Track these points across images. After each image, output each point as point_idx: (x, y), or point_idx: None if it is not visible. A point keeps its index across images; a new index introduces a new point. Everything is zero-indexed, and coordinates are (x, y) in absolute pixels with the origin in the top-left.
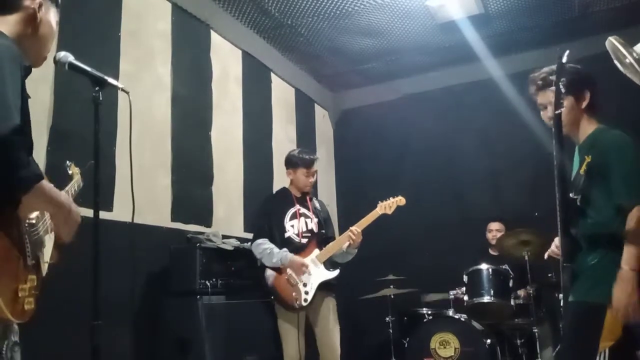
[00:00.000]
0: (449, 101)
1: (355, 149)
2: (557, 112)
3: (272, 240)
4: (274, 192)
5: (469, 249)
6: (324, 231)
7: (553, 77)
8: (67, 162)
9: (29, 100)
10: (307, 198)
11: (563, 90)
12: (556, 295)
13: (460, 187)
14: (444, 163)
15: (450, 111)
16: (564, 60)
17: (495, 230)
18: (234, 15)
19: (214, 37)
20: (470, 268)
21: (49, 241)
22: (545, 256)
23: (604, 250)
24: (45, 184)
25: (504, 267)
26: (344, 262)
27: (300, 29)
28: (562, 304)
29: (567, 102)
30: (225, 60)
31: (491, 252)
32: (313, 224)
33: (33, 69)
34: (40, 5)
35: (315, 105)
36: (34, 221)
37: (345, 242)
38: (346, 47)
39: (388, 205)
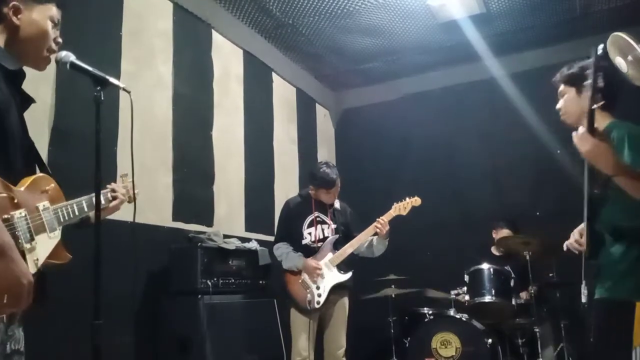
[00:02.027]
0: (450, 101)
1: (357, 148)
2: (592, 107)
3: (291, 244)
4: (297, 194)
5: (470, 249)
6: (338, 235)
7: (579, 73)
8: (121, 174)
9: (34, 103)
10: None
11: (601, 85)
12: (557, 294)
13: (461, 187)
14: (445, 162)
15: (451, 111)
16: (600, 52)
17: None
18: (235, 15)
19: (215, 36)
20: (472, 268)
21: (46, 240)
22: (565, 247)
23: (628, 243)
24: None
25: (504, 267)
26: (375, 255)
27: (302, 28)
28: (585, 300)
29: (569, 93)
30: (227, 60)
31: (494, 251)
32: (329, 231)
33: (36, 70)
34: (16, 9)
35: (317, 104)
36: (8, 216)
37: (369, 236)
38: (347, 47)
39: (403, 207)
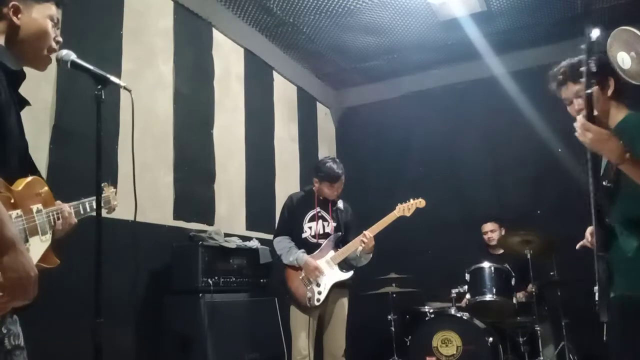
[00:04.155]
0: (451, 99)
1: (357, 147)
2: (587, 92)
3: (291, 238)
4: (299, 189)
5: (471, 247)
6: (340, 233)
7: (575, 69)
8: (103, 183)
9: (29, 105)
10: (330, 201)
11: (594, 70)
12: (558, 293)
13: (462, 185)
14: (445, 161)
15: (452, 109)
16: (593, 38)
17: (489, 231)
18: (236, 13)
19: (216, 35)
20: (472, 266)
21: (38, 243)
22: (577, 246)
23: None
24: None
25: (505, 266)
26: (359, 265)
27: (302, 26)
28: (596, 298)
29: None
30: (227, 58)
31: (491, 252)
32: (329, 228)
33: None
34: (15, 9)
35: (317, 103)
36: None
37: (357, 246)
38: (348, 45)
39: (407, 208)
